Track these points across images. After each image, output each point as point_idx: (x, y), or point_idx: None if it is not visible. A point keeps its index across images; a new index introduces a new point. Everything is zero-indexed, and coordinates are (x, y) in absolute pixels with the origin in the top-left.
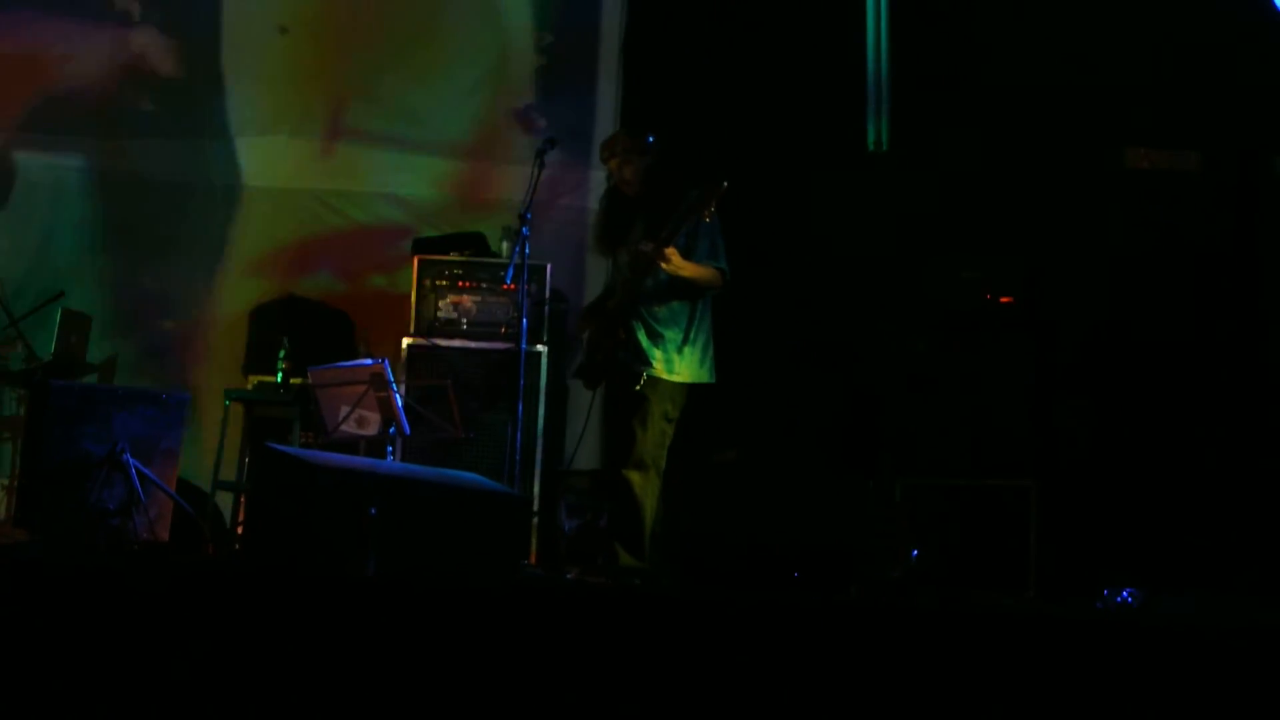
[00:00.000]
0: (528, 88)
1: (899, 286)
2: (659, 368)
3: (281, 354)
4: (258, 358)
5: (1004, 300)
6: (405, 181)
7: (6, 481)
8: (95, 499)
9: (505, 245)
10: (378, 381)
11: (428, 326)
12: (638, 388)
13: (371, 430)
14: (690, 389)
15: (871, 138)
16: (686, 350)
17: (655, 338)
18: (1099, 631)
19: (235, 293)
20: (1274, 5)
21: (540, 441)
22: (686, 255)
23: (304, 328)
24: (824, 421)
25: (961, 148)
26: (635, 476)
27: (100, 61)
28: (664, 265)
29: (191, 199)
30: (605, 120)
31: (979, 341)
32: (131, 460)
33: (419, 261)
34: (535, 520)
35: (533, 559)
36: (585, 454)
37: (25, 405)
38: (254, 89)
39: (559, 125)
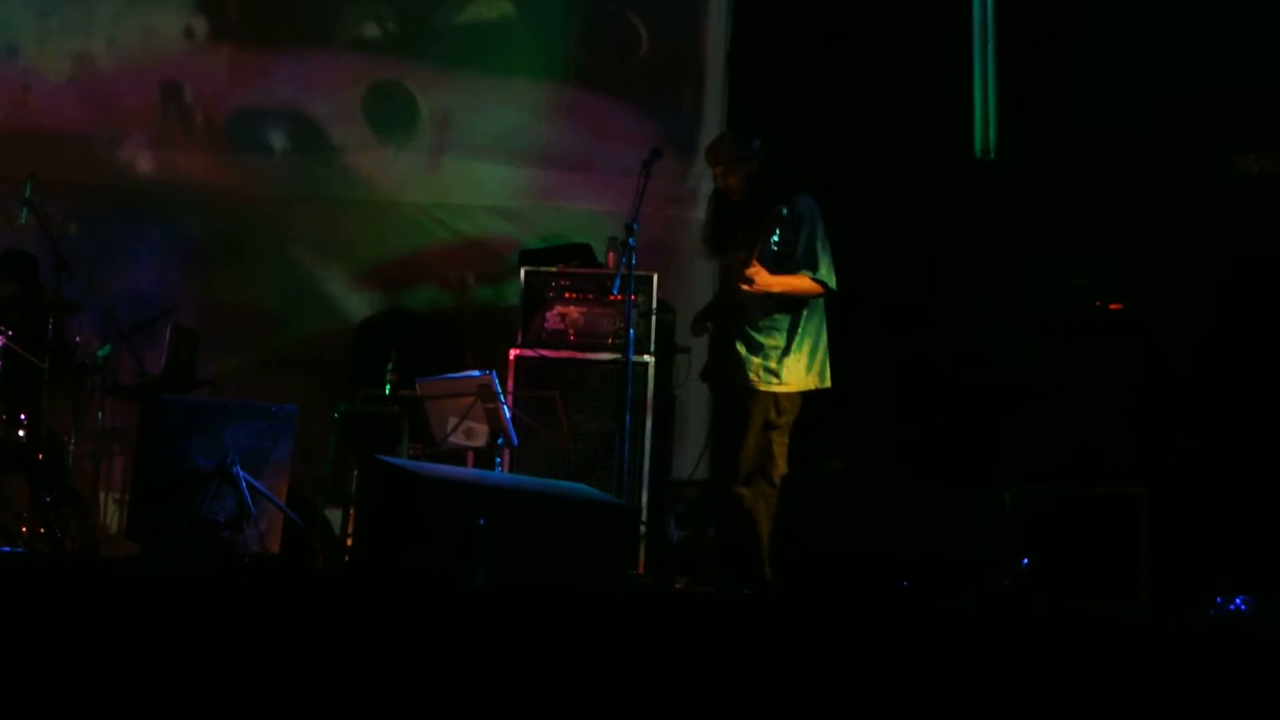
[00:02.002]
0: (634, 98)
1: (1007, 294)
2: (755, 378)
3: (389, 366)
4: (366, 370)
5: (1113, 307)
6: (511, 194)
7: (119, 495)
8: (206, 512)
9: (611, 256)
10: (486, 393)
11: (535, 338)
12: (737, 398)
13: (480, 441)
14: (804, 394)
15: (979, 144)
16: (790, 358)
17: (755, 348)
18: (1212, 640)
19: (343, 306)
20: None
21: (648, 451)
22: (783, 261)
23: (411, 340)
24: (933, 430)
25: (1069, 153)
26: (743, 491)
27: (207, 77)
28: (745, 288)
29: (298, 213)
30: (712, 130)
31: (1088, 348)
32: (241, 473)
33: (525, 273)
34: (643, 530)
35: (641, 569)
36: (695, 464)
37: (137, 420)
38: (359, 103)
39: (665, 135)
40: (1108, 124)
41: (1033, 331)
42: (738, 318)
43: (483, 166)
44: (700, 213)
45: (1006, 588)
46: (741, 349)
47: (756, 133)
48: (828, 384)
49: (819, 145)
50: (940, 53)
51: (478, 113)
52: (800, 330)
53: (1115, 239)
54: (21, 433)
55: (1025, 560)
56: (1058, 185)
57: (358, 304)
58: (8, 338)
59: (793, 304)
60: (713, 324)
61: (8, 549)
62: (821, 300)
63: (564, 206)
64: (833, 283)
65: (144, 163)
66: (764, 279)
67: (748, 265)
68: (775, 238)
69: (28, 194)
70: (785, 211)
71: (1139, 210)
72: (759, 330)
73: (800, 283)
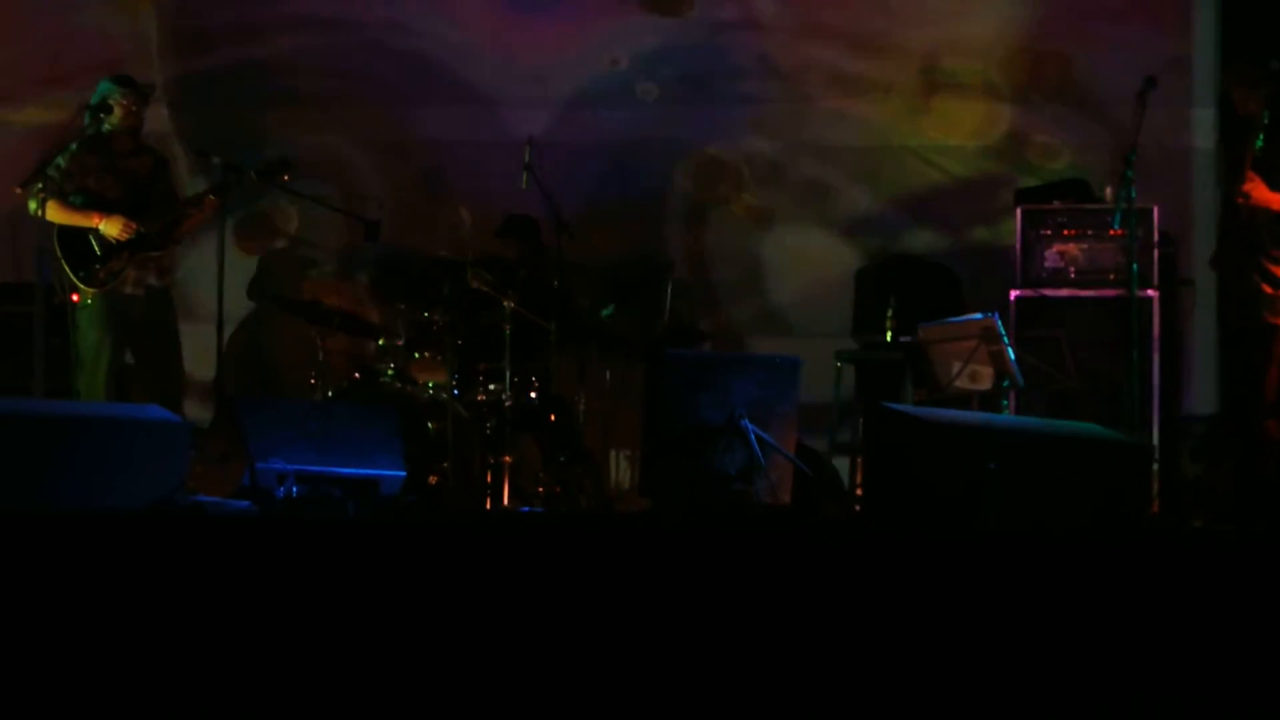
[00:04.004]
0: (1121, 27)
1: None
2: (1270, 312)
3: (889, 312)
4: (866, 317)
5: None
6: (1001, 131)
7: (629, 453)
8: (717, 465)
9: (1110, 190)
10: (989, 335)
11: (1035, 277)
12: (1254, 332)
13: (984, 385)
14: None
15: None
16: None
17: (1270, 279)
18: None
19: (840, 254)
20: None
21: (1156, 387)
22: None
23: (910, 285)
24: None
25: None
26: (1271, 424)
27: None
28: (1240, 200)
29: (787, 161)
30: (1205, 54)
31: None
32: (750, 425)
33: (1022, 212)
34: (1156, 468)
35: (1155, 508)
36: (1205, 398)
37: (643, 377)
38: (847, 50)
39: (1158, 63)
40: None
41: None
42: (1251, 248)
43: (971, 106)
44: (1199, 140)
45: None
46: (1255, 280)
47: (1273, 54)
48: None
49: None
50: None
51: (961, 52)
52: None
53: None
54: (533, 395)
55: None
56: None
57: (855, 250)
58: (515, 301)
59: None
60: (1227, 256)
61: (526, 509)
62: None
63: (1056, 142)
64: None
65: (631, 121)
66: (1261, 193)
67: (1243, 179)
68: (1259, 143)
69: (527, 159)
70: None
71: None
72: (1273, 260)
73: None
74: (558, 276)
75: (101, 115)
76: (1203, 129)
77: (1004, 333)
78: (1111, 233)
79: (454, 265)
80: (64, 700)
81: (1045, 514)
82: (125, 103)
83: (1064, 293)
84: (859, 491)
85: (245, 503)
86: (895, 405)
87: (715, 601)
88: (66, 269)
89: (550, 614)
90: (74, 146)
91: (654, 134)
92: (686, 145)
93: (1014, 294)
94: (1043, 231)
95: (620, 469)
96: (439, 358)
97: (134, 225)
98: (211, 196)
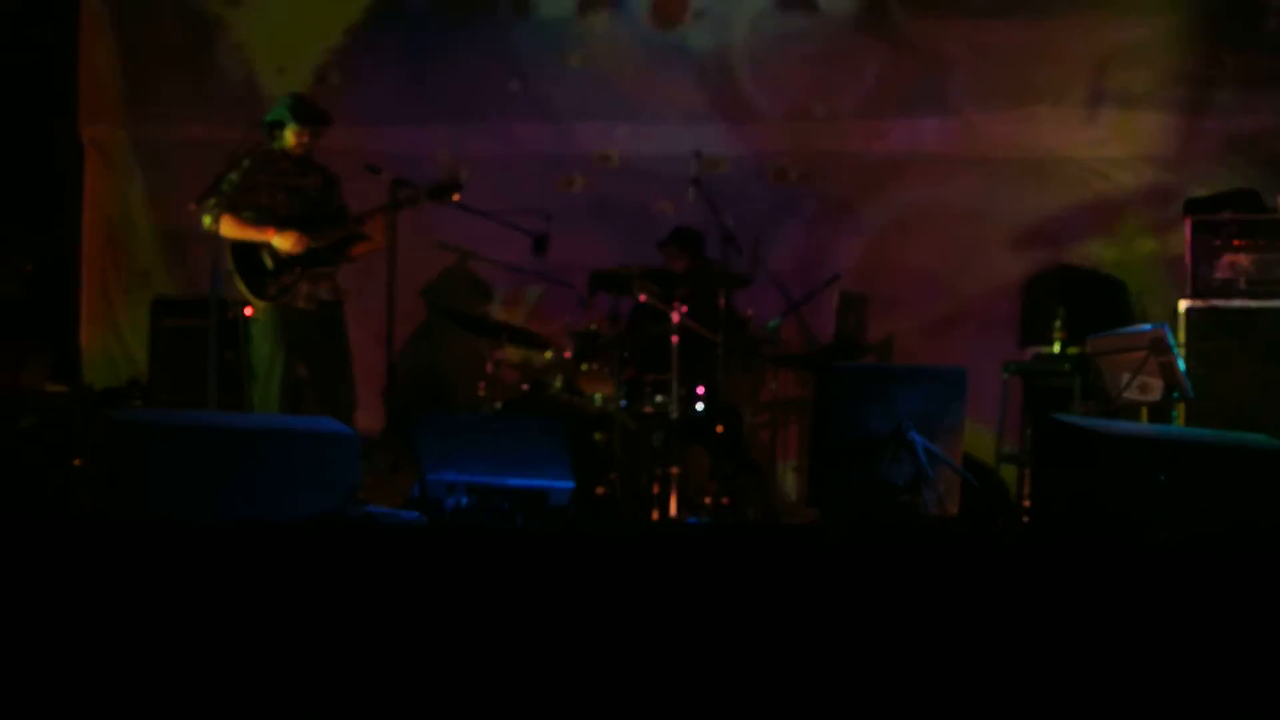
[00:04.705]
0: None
1: None
2: None
3: (1057, 324)
4: (1033, 328)
5: None
6: (1171, 142)
7: (794, 464)
8: (884, 476)
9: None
10: (1158, 347)
11: (1204, 287)
12: None
13: (1154, 396)
14: None
15: None
16: None
17: None
18: None
19: (1005, 265)
20: None
21: None
22: None
23: (1077, 296)
24: None
25: None
26: None
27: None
28: None
29: (950, 172)
30: None
31: None
32: (917, 437)
33: (1192, 222)
34: None
35: None
36: None
37: (811, 389)
38: (1016, 60)
39: None
40: None
41: None
42: None
43: (1141, 116)
44: None
45: None
46: None
47: None
48: None
49: None
50: None
51: (1133, 61)
52: None
53: None
54: (700, 406)
55: None
56: None
57: (1020, 262)
58: (682, 314)
59: None
60: None
61: (694, 520)
62: None
63: (1223, 152)
64: None
65: (795, 133)
66: None
67: None
68: None
69: (694, 172)
70: None
71: None
72: None
73: None
74: (724, 289)
75: (275, 132)
76: None
77: (1174, 344)
78: None
79: (620, 278)
80: (244, 705)
81: (1217, 526)
82: (299, 134)
83: (1235, 303)
84: (1027, 503)
85: (415, 514)
86: (1064, 417)
87: (884, 612)
88: (240, 283)
89: (718, 624)
90: (246, 163)
91: (819, 145)
92: (851, 155)
93: (1184, 305)
94: (1213, 242)
95: (787, 480)
96: (606, 370)
97: (306, 240)
98: (381, 213)
